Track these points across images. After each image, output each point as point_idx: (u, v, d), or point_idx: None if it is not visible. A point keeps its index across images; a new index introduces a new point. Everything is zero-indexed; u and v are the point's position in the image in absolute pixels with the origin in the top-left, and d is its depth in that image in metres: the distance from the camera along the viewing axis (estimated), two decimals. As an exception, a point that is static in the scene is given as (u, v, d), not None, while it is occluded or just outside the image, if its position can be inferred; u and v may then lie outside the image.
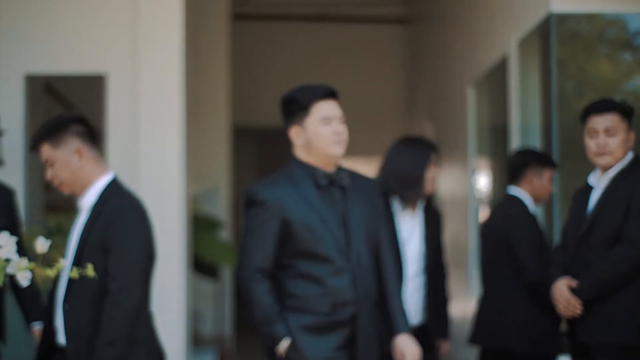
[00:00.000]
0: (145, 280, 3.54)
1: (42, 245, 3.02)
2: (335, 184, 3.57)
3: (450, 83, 8.05)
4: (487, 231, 4.94)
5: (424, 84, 9.63)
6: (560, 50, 5.11)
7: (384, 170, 4.48)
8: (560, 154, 5.12)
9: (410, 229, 4.45)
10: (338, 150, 3.53)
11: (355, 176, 3.67)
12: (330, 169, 3.58)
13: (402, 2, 11.73)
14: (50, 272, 3.00)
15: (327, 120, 3.53)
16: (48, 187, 9.02)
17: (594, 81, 5.47)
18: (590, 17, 5.23)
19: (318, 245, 3.48)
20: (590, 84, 5.45)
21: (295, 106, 3.57)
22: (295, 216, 3.50)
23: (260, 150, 14.39)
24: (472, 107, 7.17)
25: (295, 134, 3.59)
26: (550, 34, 5.06)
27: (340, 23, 11.92)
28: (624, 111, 4.00)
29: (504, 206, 4.84)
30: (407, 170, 4.41)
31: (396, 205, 4.42)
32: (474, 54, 7.00)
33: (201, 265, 7.28)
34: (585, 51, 5.42)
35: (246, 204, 3.58)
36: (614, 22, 5.41)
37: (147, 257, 3.55)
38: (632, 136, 4.02)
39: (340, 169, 3.62)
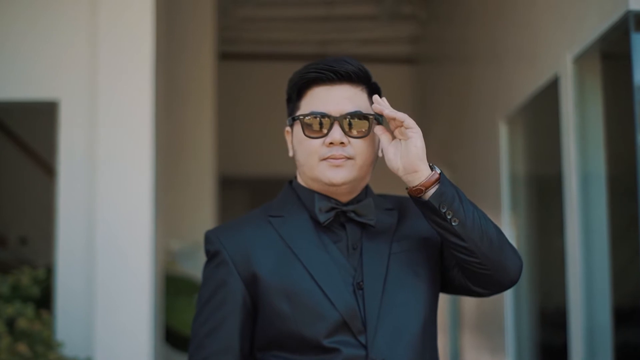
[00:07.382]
0: None
1: None
2: (347, 221, 2.11)
3: (475, 121, 6.83)
4: None
5: (438, 126, 8.43)
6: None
7: None
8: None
9: None
10: (332, 174, 2.08)
11: (397, 204, 2.21)
12: (342, 196, 2.13)
13: (408, 40, 10.68)
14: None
15: (318, 123, 2.09)
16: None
17: None
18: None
19: (304, 322, 2.02)
20: None
21: (289, 93, 2.22)
22: (266, 273, 2.05)
23: (252, 202, 13.29)
24: (505, 147, 5.92)
25: (287, 137, 2.24)
26: (630, 38, 3.84)
27: (341, 63, 10.84)
28: None
29: None
30: None
31: None
32: (509, 81, 5.78)
33: (176, 336, 5.97)
34: None
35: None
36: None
37: None
38: None
39: (363, 194, 2.16)
